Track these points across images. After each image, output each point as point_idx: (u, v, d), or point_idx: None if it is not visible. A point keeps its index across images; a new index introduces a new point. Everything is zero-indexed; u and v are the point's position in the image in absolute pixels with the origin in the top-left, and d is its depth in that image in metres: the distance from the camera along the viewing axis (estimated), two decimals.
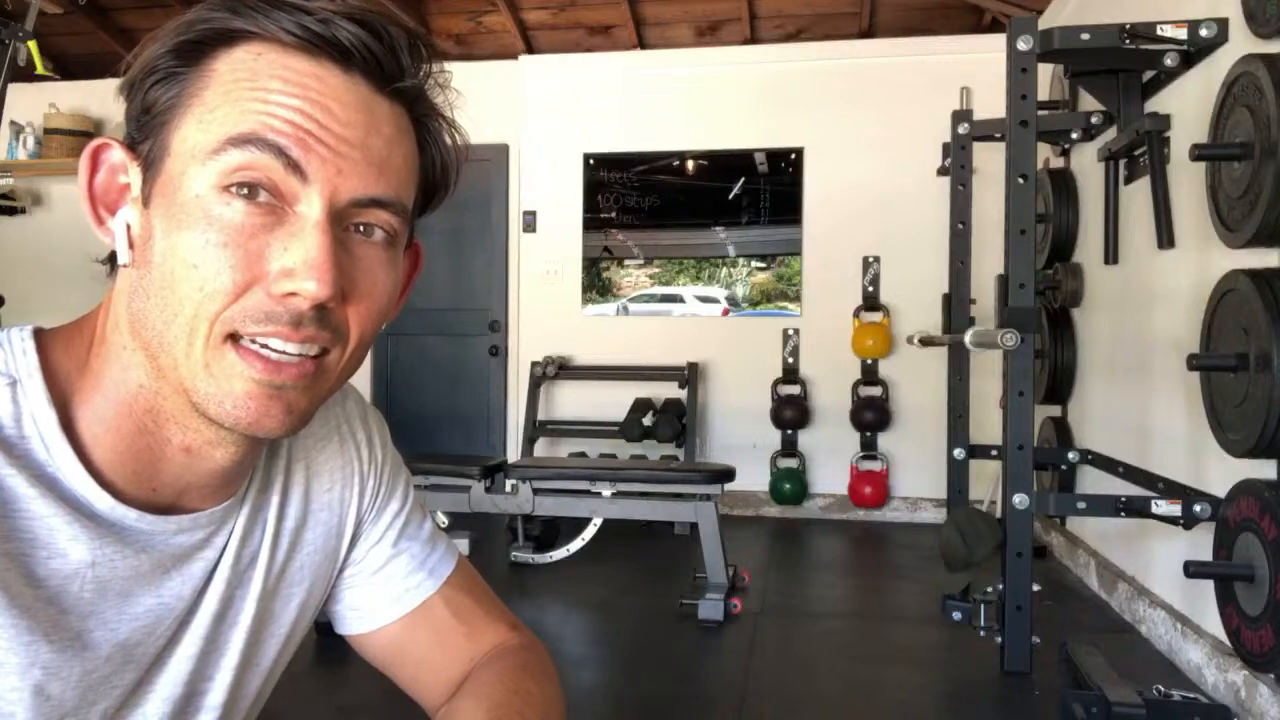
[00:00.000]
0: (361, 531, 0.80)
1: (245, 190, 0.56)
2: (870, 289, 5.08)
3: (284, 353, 0.58)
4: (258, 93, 0.57)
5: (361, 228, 0.60)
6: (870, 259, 5.07)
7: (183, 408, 0.60)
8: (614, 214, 5.39)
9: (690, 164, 5.33)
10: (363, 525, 0.80)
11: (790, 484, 5.07)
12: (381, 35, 0.60)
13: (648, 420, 5.05)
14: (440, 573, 0.82)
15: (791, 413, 5.09)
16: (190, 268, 0.56)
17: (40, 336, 0.63)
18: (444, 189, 0.69)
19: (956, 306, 4.04)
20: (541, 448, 5.30)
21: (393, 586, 0.80)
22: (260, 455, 0.71)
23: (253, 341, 0.57)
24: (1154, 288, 3.16)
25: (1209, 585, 2.51)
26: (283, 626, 0.74)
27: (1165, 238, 2.90)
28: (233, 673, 0.71)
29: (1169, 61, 2.78)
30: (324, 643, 0.73)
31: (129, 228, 0.60)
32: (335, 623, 0.82)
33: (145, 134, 0.59)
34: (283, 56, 0.58)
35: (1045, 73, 4.02)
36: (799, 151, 5.19)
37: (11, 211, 5.78)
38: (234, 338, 0.57)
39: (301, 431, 0.76)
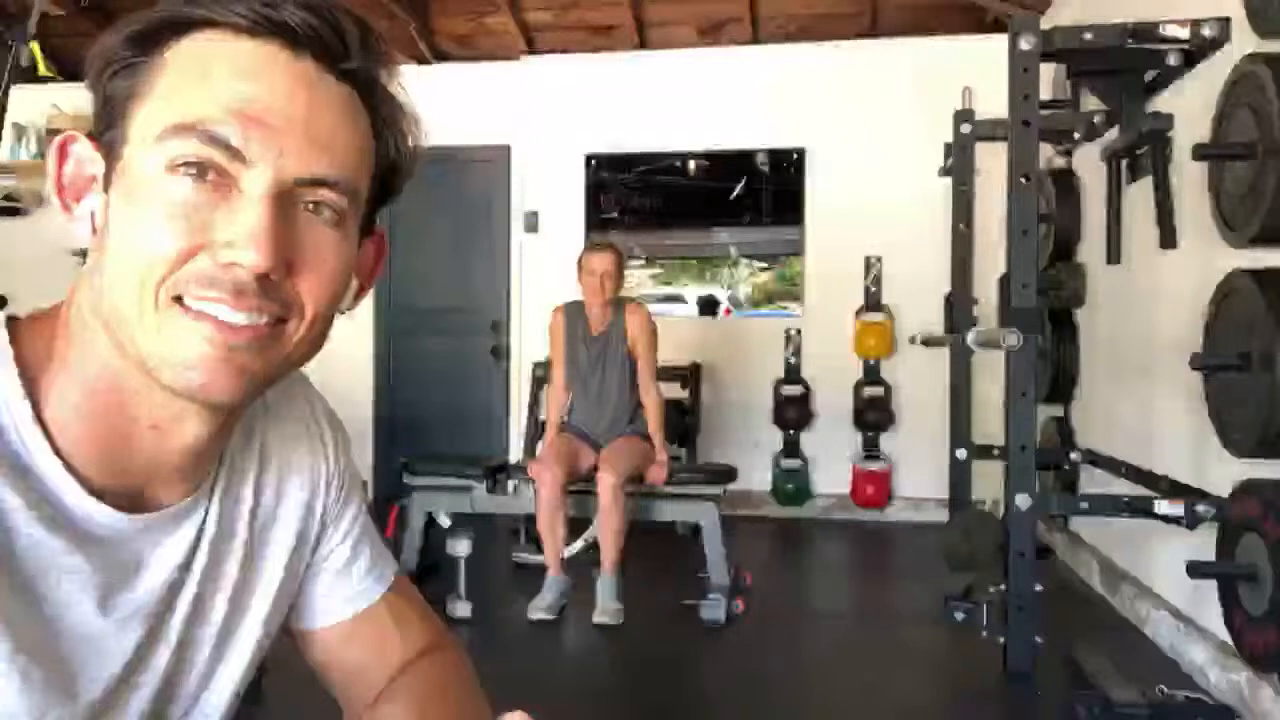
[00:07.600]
0: (325, 532, 0.82)
1: (194, 170, 0.58)
2: (872, 289, 5.08)
3: (231, 322, 0.59)
4: (202, 79, 0.59)
5: (311, 206, 0.61)
6: (872, 259, 5.07)
7: (145, 383, 0.61)
8: (616, 214, 5.39)
9: (692, 164, 5.33)
10: (326, 526, 0.81)
11: (793, 484, 5.07)
12: (329, 19, 0.61)
13: None
14: (387, 577, 0.85)
15: (794, 413, 5.08)
16: (137, 238, 0.58)
17: (12, 324, 0.64)
18: (402, 175, 0.70)
19: (959, 306, 4.04)
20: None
21: (348, 587, 0.82)
22: (227, 442, 0.71)
23: (199, 303, 0.58)
24: (1156, 287, 3.16)
25: (1212, 585, 2.50)
26: (257, 624, 0.76)
27: (1168, 238, 2.90)
28: (204, 665, 0.72)
29: (1171, 61, 2.77)
30: None
31: (93, 214, 0.62)
32: (289, 616, 0.83)
33: (107, 124, 0.61)
34: (231, 41, 0.60)
35: (1047, 72, 4.01)
36: (801, 152, 5.19)
37: (14, 213, 5.79)
38: (180, 300, 0.58)
39: (274, 430, 0.77)
